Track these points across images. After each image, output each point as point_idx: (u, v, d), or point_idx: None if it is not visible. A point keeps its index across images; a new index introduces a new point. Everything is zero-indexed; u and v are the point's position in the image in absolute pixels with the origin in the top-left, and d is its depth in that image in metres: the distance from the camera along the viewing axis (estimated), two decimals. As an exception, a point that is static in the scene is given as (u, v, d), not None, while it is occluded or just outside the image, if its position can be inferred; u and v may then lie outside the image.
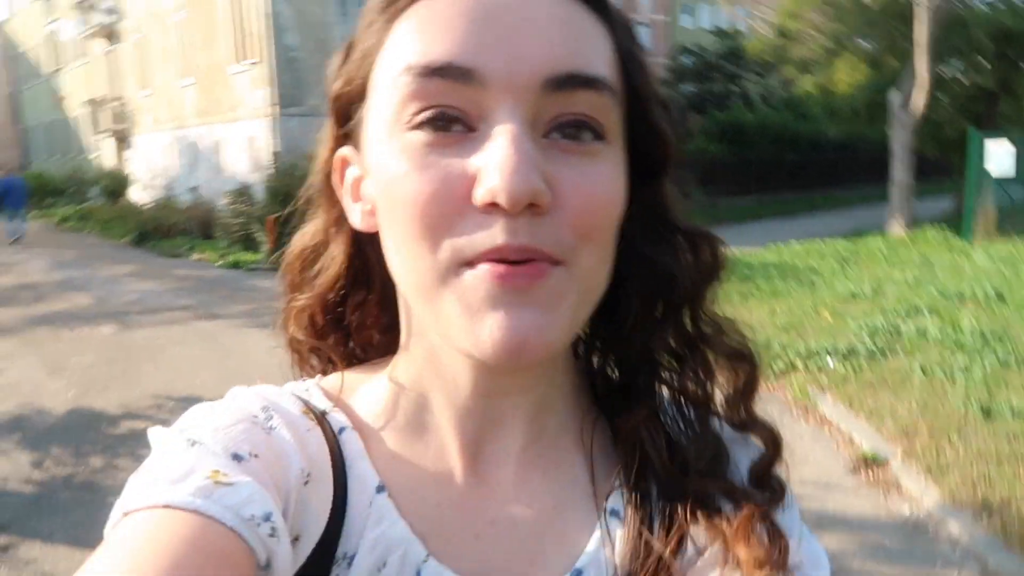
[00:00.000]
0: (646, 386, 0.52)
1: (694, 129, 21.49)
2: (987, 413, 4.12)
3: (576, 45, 0.42)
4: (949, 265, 8.99)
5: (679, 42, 43.88)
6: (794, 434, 4.10)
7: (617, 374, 0.53)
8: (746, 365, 0.52)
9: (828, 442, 4.11)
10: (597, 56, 0.43)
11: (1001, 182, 11.22)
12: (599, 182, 0.42)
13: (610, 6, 0.46)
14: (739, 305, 7.02)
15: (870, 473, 3.71)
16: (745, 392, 0.52)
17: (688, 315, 0.51)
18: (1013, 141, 11.18)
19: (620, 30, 0.46)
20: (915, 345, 5.46)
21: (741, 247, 11.13)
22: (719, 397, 0.52)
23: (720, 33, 36.30)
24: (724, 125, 21.83)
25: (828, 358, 5.20)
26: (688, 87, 32.75)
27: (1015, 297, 6.74)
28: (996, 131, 12.31)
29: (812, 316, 6.53)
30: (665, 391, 0.52)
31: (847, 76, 17.44)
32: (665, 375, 0.52)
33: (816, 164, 22.81)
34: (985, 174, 11.21)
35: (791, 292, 7.55)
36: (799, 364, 5.16)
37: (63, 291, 9.64)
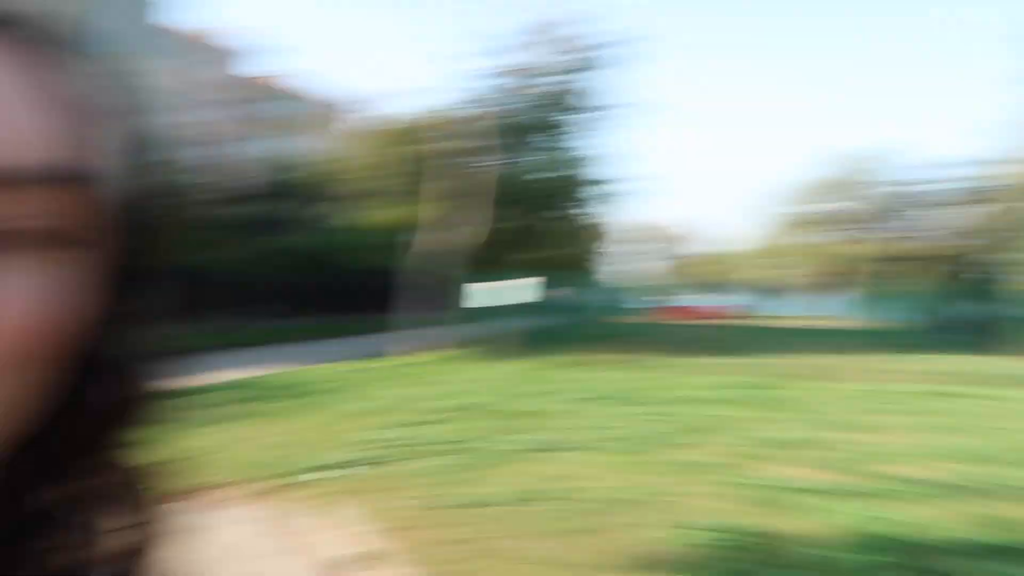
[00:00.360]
0: (20, 537, 0.41)
1: (233, 251, 21.48)
2: (458, 505, 4.74)
3: (22, 131, 0.32)
4: (452, 382, 10.37)
5: (230, 166, 43.94)
6: (265, 549, 4.15)
7: None
8: (149, 521, 0.44)
9: (299, 551, 4.26)
10: (51, 144, 0.33)
11: (487, 312, 13.76)
12: (31, 298, 0.33)
13: (87, 80, 0.36)
14: (238, 426, 7.09)
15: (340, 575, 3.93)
16: (142, 552, 0.44)
17: (81, 462, 0.41)
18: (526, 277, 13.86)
19: (101, 108, 0.36)
20: (408, 452, 6.08)
21: (263, 368, 11.36)
22: (116, 552, 0.43)
23: (274, 160, 37.60)
24: (266, 249, 22.31)
25: (318, 472, 5.45)
26: (238, 209, 32.86)
27: (493, 408, 8.03)
28: (507, 271, 15.09)
29: (316, 432, 6.84)
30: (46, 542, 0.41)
31: (382, 213, 19.54)
32: (45, 527, 0.41)
33: (350, 290, 24.47)
34: (488, 305, 13.66)
35: (301, 411, 7.84)
36: (287, 479, 5.31)
37: None
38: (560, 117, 18.75)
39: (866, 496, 4.97)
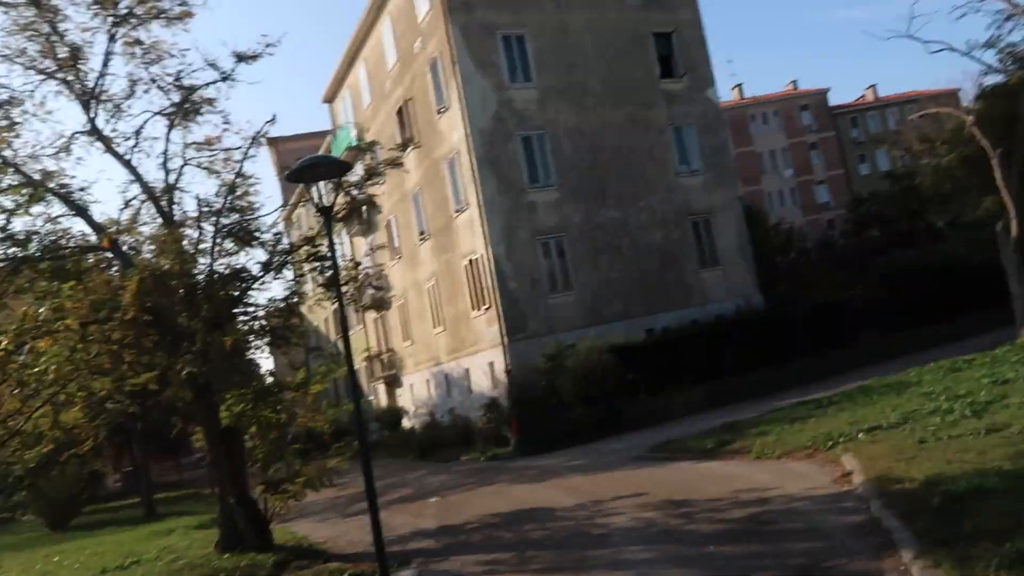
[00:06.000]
0: None
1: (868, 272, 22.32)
2: None
3: None
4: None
5: (858, 191, 45.73)
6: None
7: None
8: None
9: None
10: None
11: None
12: None
13: None
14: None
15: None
16: None
17: None
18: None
19: None
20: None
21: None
22: None
23: (892, 176, 38.02)
24: (886, 267, 22.74)
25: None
26: (874, 232, 34.17)
27: None
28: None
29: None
30: None
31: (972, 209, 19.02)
32: None
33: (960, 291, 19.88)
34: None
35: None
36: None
37: (394, 487, 14.55)
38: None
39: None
